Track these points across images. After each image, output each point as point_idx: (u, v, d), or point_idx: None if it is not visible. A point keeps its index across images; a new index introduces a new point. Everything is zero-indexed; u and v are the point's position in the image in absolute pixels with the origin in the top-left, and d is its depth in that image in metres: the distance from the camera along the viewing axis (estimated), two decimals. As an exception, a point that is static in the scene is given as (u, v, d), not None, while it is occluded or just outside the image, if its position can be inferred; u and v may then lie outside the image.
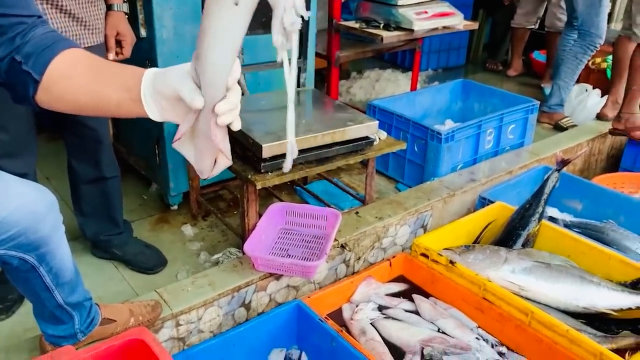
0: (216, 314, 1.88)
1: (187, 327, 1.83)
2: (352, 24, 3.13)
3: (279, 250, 2.13)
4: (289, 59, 0.82)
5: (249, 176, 2.01)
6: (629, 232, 2.45)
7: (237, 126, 0.91)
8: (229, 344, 1.73)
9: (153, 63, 2.29)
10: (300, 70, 2.51)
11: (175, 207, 2.64)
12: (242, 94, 2.25)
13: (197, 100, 0.87)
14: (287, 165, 0.96)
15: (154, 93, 0.92)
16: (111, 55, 1.89)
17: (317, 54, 3.05)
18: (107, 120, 2.14)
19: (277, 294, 2.04)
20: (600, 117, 3.60)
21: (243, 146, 2.08)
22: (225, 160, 0.97)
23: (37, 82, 0.96)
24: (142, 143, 2.64)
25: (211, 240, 2.46)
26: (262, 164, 2.00)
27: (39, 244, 1.26)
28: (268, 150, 1.98)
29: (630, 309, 1.92)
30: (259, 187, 1.99)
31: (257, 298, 1.98)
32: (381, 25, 3.03)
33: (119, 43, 1.93)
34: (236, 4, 0.78)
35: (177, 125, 0.96)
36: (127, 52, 1.94)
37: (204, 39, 0.83)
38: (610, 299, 1.94)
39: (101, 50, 1.86)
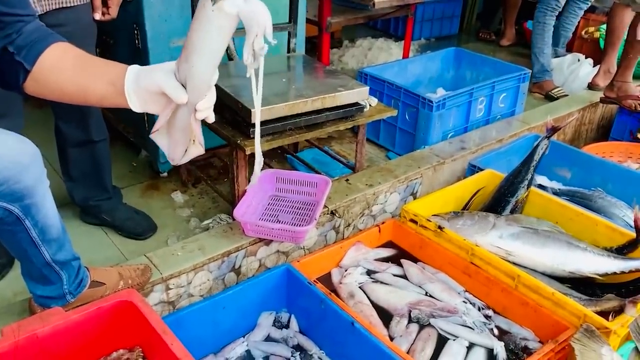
0: (206, 278, 1.89)
1: (177, 291, 1.84)
2: (343, -12, 3.08)
3: (268, 216, 2.13)
4: (257, 78, 1.02)
5: (239, 141, 2.00)
6: (616, 200, 2.48)
7: (211, 119, 1.10)
8: (218, 306, 1.74)
9: (141, 27, 2.24)
10: (290, 36, 2.47)
11: (165, 174, 2.62)
12: (232, 59, 2.24)
13: (181, 96, 1.04)
14: (254, 179, 1.22)
15: (137, 88, 1.08)
16: (97, 15, 1.85)
17: (308, 20, 3.01)
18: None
19: (267, 259, 2.05)
20: (591, 86, 3.60)
21: (232, 111, 2.06)
22: (199, 149, 1.15)
23: (28, 72, 1.08)
24: (131, 110, 2.59)
25: (201, 207, 2.46)
26: (252, 129, 1.98)
27: (22, 194, 1.26)
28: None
29: (615, 273, 1.95)
30: (248, 152, 1.98)
31: (247, 263, 1.99)
32: (373, -10, 2.99)
33: (105, 3, 1.88)
34: (222, 26, 0.94)
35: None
36: (114, 12, 1.90)
37: (194, 52, 0.98)
38: (596, 264, 1.96)
39: (87, 9, 1.83)
